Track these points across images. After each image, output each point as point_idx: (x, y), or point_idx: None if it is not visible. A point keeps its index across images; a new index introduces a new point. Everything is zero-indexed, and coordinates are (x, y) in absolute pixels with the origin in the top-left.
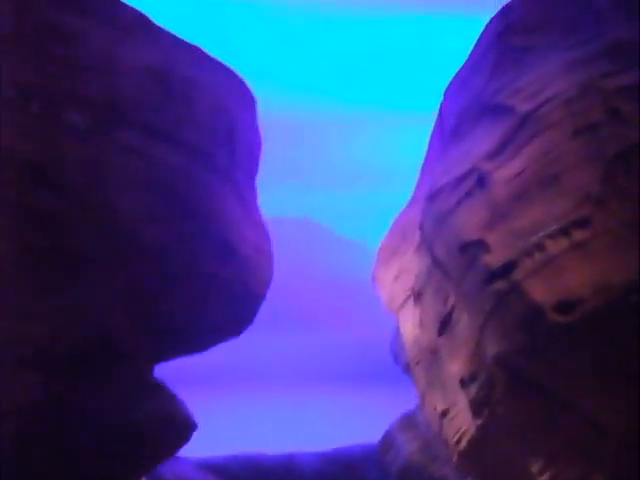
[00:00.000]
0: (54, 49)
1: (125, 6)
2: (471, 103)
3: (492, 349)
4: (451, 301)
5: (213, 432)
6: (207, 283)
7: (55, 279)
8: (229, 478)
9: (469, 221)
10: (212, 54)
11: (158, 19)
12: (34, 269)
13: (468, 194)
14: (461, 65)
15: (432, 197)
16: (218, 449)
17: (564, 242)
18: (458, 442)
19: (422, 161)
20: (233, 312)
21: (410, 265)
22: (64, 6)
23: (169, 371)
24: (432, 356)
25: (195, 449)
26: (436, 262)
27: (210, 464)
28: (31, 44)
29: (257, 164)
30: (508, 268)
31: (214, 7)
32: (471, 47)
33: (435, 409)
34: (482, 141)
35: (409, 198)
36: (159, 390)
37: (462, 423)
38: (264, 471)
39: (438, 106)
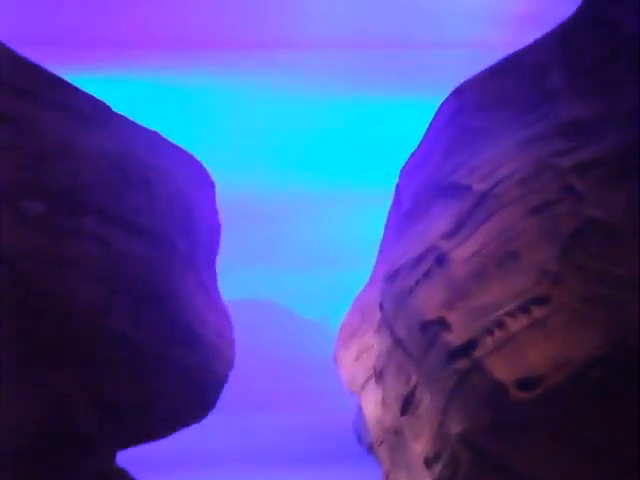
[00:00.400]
0: (5, 137)
1: (82, 93)
2: (427, 183)
3: (455, 428)
4: (413, 380)
5: None
6: (172, 371)
7: (19, 370)
8: None
9: (429, 300)
10: (170, 138)
11: (115, 104)
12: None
13: (427, 273)
14: (416, 145)
15: (391, 277)
16: None
17: (524, 319)
18: None
19: (380, 241)
20: (198, 397)
21: (370, 345)
22: (17, 93)
23: (129, 457)
24: (395, 436)
25: None
26: (397, 342)
27: None
28: None
29: (217, 248)
30: (469, 346)
31: (172, 89)
32: (426, 128)
33: None
34: (439, 220)
35: (368, 278)
36: (122, 478)
37: None
38: None
39: (394, 185)
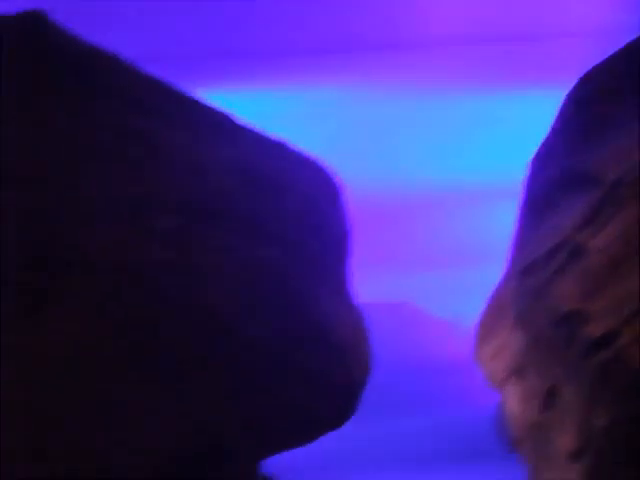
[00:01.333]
0: (134, 154)
1: (206, 107)
2: (558, 173)
3: (601, 420)
4: (554, 375)
5: None
6: (310, 379)
7: (158, 387)
8: None
9: (566, 293)
10: (297, 148)
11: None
12: (138, 376)
13: (563, 266)
14: (544, 137)
15: (525, 271)
16: None
17: None
18: None
19: (512, 236)
20: (338, 404)
21: (508, 341)
22: (143, 112)
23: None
24: (538, 431)
25: None
26: (535, 337)
27: None
28: (110, 150)
29: (348, 251)
30: (610, 337)
31: (296, 97)
32: (551, 119)
33: None
34: (572, 212)
35: (502, 274)
36: None
37: None
38: None
39: (523, 179)
